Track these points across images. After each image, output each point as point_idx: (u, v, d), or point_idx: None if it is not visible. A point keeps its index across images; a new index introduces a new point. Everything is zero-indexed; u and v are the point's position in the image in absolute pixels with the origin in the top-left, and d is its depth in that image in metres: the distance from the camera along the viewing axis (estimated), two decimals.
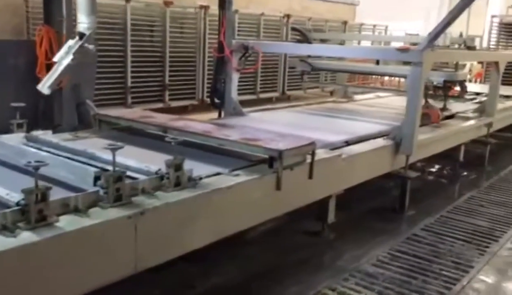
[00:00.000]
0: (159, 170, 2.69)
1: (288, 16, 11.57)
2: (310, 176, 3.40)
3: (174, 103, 9.05)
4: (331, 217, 3.87)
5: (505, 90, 8.53)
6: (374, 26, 14.44)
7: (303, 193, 3.42)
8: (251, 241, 3.72)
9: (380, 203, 4.86)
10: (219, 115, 5.56)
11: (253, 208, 3.02)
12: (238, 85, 10.47)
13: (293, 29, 6.09)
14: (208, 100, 6.25)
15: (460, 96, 5.77)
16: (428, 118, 4.89)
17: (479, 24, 23.72)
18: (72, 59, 3.31)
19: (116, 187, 2.33)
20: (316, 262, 3.55)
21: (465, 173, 6.09)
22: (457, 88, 5.80)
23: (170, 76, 8.90)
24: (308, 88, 11.01)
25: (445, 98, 5.69)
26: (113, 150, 2.37)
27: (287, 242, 3.85)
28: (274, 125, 4.80)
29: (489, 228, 4.23)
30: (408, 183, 4.53)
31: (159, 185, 2.63)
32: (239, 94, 10.60)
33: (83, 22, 3.42)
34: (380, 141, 4.43)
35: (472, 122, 5.82)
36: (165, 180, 2.63)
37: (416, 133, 4.39)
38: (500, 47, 11.51)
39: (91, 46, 3.38)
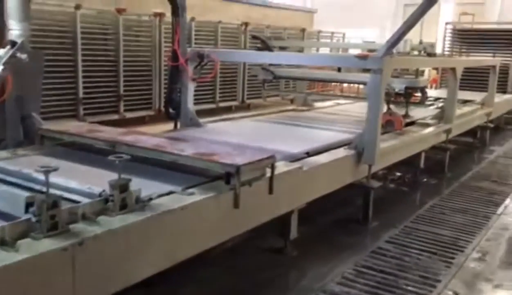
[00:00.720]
0: (103, 191, 2.44)
1: (246, 24, 11.43)
2: (270, 191, 3.21)
3: (130, 114, 8.71)
4: (293, 233, 3.68)
5: (464, 95, 8.69)
6: (332, 33, 14.50)
7: (263, 210, 3.23)
8: (210, 261, 3.48)
9: (344, 214, 4.72)
10: (175, 126, 5.31)
11: (209, 228, 2.79)
12: (197, 94, 10.23)
13: (254, 37, 5.93)
14: None
15: (421, 103, 5.72)
16: (391, 125, 4.81)
17: (432, 31, 24.41)
18: (3, 70, 3.00)
19: (50, 213, 2.06)
20: (279, 283, 3.35)
21: (426, 180, 6.05)
22: (419, 94, 5.76)
23: (125, 86, 8.56)
24: (268, 97, 10.86)
25: (406, 104, 5.64)
26: (46, 172, 2.10)
27: (249, 261, 3.63)
28: (232, 137, 4.60)
29: (454, 238, 4.15)
30: (371, 193, 4.41)
31: (102, 209, 2.37)
32: (197, 103, 10.40)
33: (15, 29, 3.11)
34: (341, 151, 4.29)
35: (432, 129, 5.79)
36: (110, 203, 2.37)
37: (378, 142, 4.27)
38: (454, 53, 11.73)
39: (23, 55, 3.07)
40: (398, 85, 4.78)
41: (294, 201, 3.54)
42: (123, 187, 2.38)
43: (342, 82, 6.65)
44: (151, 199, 2.63)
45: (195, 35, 9.87)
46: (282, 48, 6.13)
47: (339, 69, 5.19)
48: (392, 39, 4.04)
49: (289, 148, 4.21)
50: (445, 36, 12.10)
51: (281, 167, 3.48)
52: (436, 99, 8.48)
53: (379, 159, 4.41)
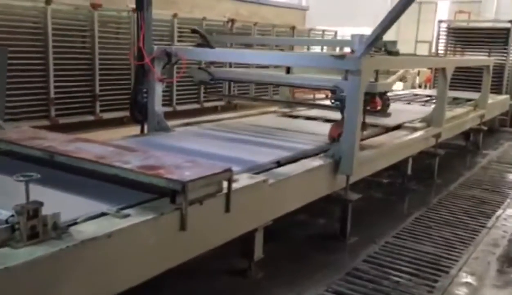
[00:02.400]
0: (11, 216, 2.04)
1: (232, 20, 11.02)
2: (227, 209, 2.82)
3: (107, 115, 8.29)
4: (258, 253, 3.29)
5: (466, 94, 8.30)
6: (323, 31, 14.10)
7: (218, 231, 2.84)
8: (159, 285, 3.08)
9: (320, 227, 4.34)
10: (142, 130, 4.91)
11: (147, 256, 2.40)
12: (180, 94, 9.87)
13: (193, 31, 5.31)
14: None
15: (382, 111, 5.02)
16: None
17: (428, 30, 24.05)
18: None
19: None
20: None
21: (413, 187, 5.66)
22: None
23: (101, 85, 8.15)
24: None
25: (364, 113, 4.77)
26: None
27: (205, 285, 3.24)
28: (198, 144, 4.21)
29: (438, 256, 3.77)
30: (350, 206, 4.01)
31: (8, 238, 1.98)
32: (181, 103, 10.04)
33: None
34: (316, 160, 3.90)
35: (419, 133, 5.40)
36: (17, 232, 1.98)
37: (356, 150, 3.88)
38: (448, 52, 11.35)
39: None
40: None
41: (257, 218, 3.15)
42: (32, 212, 1.99)
43: (298, 86, 5.76)
44: (75, 223, 2.24)
45: (178, 32, 9.45)
46: (248, 46, 5.66)
47: (287, 70, 4.52)
48: (371, 37, 3.65)
49: (258, 156, 3.83)
50: (439, 35, 11.70)
51: (243, 180, 3.09)
52: (427, 100, 8.12)
53: (358, 168, 4.03)
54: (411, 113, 6.49)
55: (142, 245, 2.35)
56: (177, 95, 9.65)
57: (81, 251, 2.06)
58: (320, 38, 13.72)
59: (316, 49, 12.33)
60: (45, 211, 2.07)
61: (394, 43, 4.04)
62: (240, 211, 2.94)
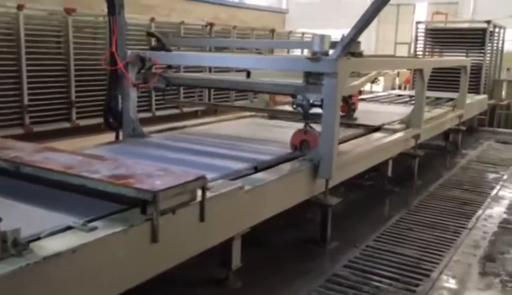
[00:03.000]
0: None
1: (211, 24, 10.90)
2: (202, 218, 2.73)
3: (84, 122, 8.09)
4: (236, 262, 3.21)
5: (445, 94, 8.34)
6: (303, 34, 14.07)
7: (192, 241, 2.74)
8: None
9: (301, 232, 4.26)
10: (116, 137, 4.79)
11: (116, 272, 2.29)
12: (160, 99, 9.68)
13: (148, 34, 5.14)
14: None
15: (348, 116, 4.88)
16: (307, 147, 4.03)
17: (407, 32, 24.28)
18: None
19: None
20: None
21: (394, 189, 5.63)
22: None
23: (77, 92, 7.95)
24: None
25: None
26: None
27: None
28: (173, 150, 4.12)
29: (419, 259, 3.73)
30: (329, 210, 3.95)
31: None
32: (160, 108, 9.87)
33: None
34: (295, 165, 3.83)
35: (398, 135, 5.38)
36: None
37: (335, 154, 3.82)
38: (427, 53, 11.42)
39: None
40: (314, 96, 3.74)
41: (233, 227, 3.07)
42: None
43: (259, 92, 5.50)
44: (38, 238, 2.13)
45: None
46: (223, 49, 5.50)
47: (248, 74, 4.34)
48: (346, 39, 3.60)
49: (235, 162, 3.75)
50: (417, 36, 11.77)
51: (218, 187, 3.00)
52: (407, 101, 8.13)
53: (337, 172, 3.97)
54: (391, 114, 6.48)
55: (111, 260, 2.25)
56: (156, 100, 9.50)
57: (43, 268, 1.95)
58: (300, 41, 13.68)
59: (296, 52, 12.32)
60: (7, 226, 1.96)
61: (357, 44, 3.96)
62: (215, 220, 2.85)
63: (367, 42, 27.53)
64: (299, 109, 4.02)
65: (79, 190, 2.71)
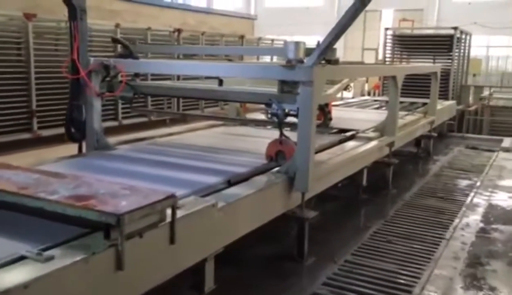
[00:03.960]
0: None
1: (179, 30, 10.66)
2: (172, 240, 2.52)
3: (46, 132, 7.72)
4: (209, 284, 3.00)
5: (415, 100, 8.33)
6: (272, 40, 13.98)
7: (162, 265, 2.52)
8: None
9: (277, 247, 4.07)
10: (80, 150, 4.51)
11: None
12: (127, 107, 9.33)
13: (114, 40, 4.87)
14: None
15: (323, 125, 4.70)
16: (283, 158, 3.87)
17: (374, 38, 24.55)
18: None
19: None
20: None
21: (369, 199, 5.52)
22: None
23: (38, 100, 7.59)
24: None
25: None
26: None
27: None
28: (140, 164, 3.88)
29: (399, 274, 3.59)
30: (306, 224, 3.78)
31: None
32: (126, 117, 9.52)
33: None
34: (269, 178, 3.64)
35: (373, 143, 5.27)
36: None
37: (311, 165, 3.66)
38: (395, 60, 11.48)
39: None
40: (289, 105, 3.58)
41: (206, 247, 2.86)
42: None
43: (230, 101, 5.38)
44: None
45: None
46: (190, 57, 5.24)
47: (220, 82, 4.15)
48: (322, 46, 3.45)
49: (207, 176, 3.54)
50: (385, 42, 11.82)
51: (190, 205, 2.79)
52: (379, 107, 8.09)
53: (314, 184, 3.81)
54: (365, 121, 6.39)
55: (70, 294, 2.01)
56: (123, 108, 9.18)
57: None
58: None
59: (266, 59, 12.21)
60: None
61: (333, 51, 3.82)
62: (187, 241, 2.65)
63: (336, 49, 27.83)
64: (274, 118, 3.87)
65: (34, 212, 2.46)
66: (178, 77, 8.84)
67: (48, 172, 2.87)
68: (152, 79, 7.75)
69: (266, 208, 3.49)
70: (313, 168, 3.71)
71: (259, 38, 13.72)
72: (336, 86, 4.49)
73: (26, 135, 7.47)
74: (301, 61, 3.61)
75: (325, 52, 3.53)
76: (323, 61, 3.88)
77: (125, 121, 9.20)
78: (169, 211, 2.50)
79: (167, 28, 10.63)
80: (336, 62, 3.97)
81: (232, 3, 28.53)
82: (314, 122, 3.65)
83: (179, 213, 2.60)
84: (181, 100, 10.22)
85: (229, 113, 6.40)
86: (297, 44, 3.68)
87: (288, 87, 3.71)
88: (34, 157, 5.25)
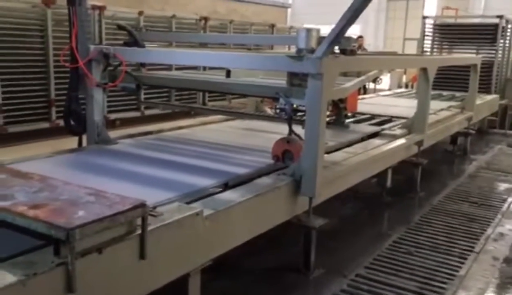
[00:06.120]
0: None
1: (205, 18, 10.34)
2: (142, 255, 2.20)
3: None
4: None
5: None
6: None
7: (128, 285, 2.20)
8: None
9: (281, 256, 3.70)
10: (79, 143, 4.27)
11: None
12: (149, 97, 9.08)
13: (119, 27, 4.54)
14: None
15: (337, 122, 4.24)
16: (290, 158, 3.51)
17: (417, 27, 23.57)
18: None
19: None
20: None
21: (393, 202, 5.06)
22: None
23: (57, 90, 7.45)
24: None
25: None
26: None
27: None
28: (134, 160, 3.59)
29: (415, 294, 3.16)
30: (313, 233, 3.40)
31: None
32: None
33: None
34: (271, 181, 3.27)
35: (399, 142, 4.81)
36: None
37: (319, 168, 3.26)
38: (435, 50, 10.79)
39: None
40: (298, 100, 3.28)
41: (188, 261, 2.52)
42: None
43: (237, 94, 4.93)
44: None
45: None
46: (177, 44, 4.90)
47: (227, 74, 3.80)
48: (332, 34, 3.03)
49: (203, 177, 3.21)
50: (424, 32, 11.12)
51: (170, 213, 2.46)
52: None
53: (324, 187, 3.42)
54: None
55: None
56: (145, 98, 8.96)
57: None
58: None
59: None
60: None
61: (349, 39, 3.39)
62: (162, 255, 2.33)
63: (376, 39, 26.86)
64: (283, 114, 3.51)
65: None
66: (204, 68, 8.50)
67: (17, 172, 2.60)
68: (166, 70, 7.44)
69: (266, 214, 3.12)
70: (322, 171, 3.31)
71: (291, 27, 13.24)
72: (355, 80, 4.06)
73: (44, 125, 7.36)
74: (311, 51, 3.21)
75: (336, 41, 3.11)
76: (337, 51, 3.48)
77: (148, 112, 8.98)
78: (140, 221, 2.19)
79: (193, 16, 10.34)
80: (352, 52, 3.54)
81: None
82: (323, 119, 3.25)
83: (153, 224, 2.28)
84: (206, 93, 9.91)
85: (248, 106, 6.04)
86: (308, 31, 3.28)
87: (298, 80, 3.33)
88: (51, 147, 5.07)
